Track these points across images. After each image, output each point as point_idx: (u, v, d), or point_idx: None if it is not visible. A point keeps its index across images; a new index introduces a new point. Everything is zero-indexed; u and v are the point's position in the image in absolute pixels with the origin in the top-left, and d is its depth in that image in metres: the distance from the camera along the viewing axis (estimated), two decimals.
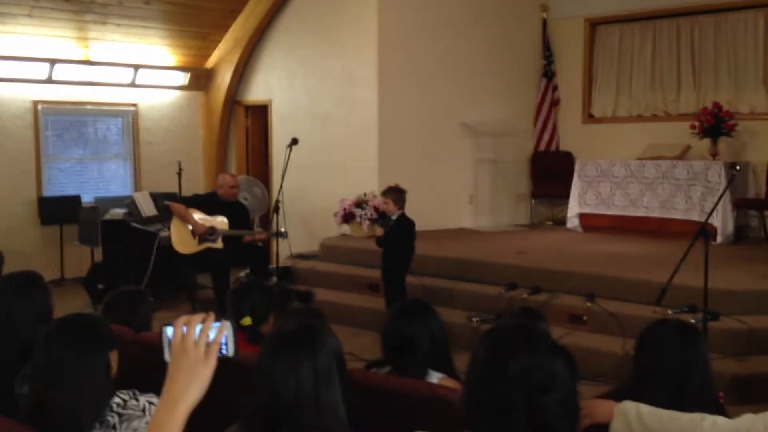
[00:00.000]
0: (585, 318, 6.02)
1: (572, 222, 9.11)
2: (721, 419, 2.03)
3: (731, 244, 7.86)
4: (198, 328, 1.50)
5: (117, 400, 2.33)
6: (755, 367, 5.13)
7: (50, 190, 9.15)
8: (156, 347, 1.58)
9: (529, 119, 10.16)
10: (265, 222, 9.15)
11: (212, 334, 1.51)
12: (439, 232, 8.82)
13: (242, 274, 7.99)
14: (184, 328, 1.50)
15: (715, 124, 8.35)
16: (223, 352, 1.52)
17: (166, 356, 1.51)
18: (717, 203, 5.58)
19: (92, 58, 9.11)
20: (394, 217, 6.36)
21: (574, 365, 1.60)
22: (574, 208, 9.09)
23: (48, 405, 2.23)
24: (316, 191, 9.32)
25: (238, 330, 3.50)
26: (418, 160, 8.99)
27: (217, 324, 1.52)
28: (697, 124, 8.47)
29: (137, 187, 9.75)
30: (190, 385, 1.45)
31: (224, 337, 1.52)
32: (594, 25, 9.98)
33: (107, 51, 9.20)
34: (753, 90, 8.79)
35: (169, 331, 1.52)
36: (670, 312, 5.42)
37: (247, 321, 3.53)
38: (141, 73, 9.56)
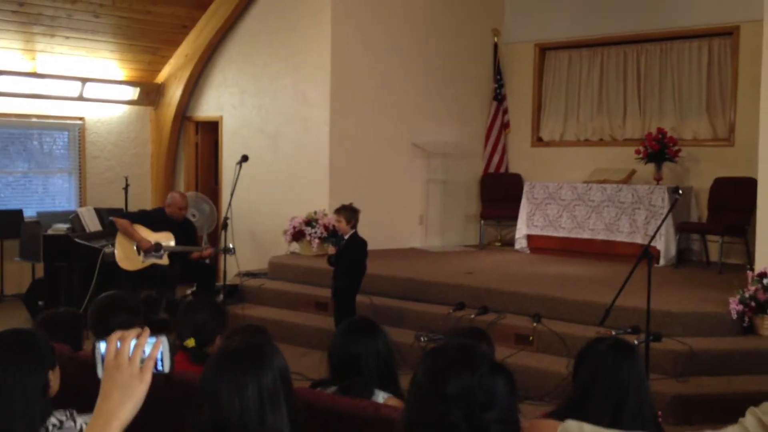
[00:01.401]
0: (531, 338, 6.07)
1: (520, 243, 9.21)
2: None
3: (674, 267, 8.03)
4: (132, 343, 1.46)
5: (53, 420, 2.25)
6: (696, 387, 5.23)
7: None
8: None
9: (480, 141, 10.27)
10: (214, 239, 9.05)
11: (148, 350, 1.47)
12: (389, 251, 8.83)
13: (189, 291, 7.88)
14: (118, 344, 1.46)
15: (659, 150, 8.54)
16: (159, 368, 1.49)
17: (99, 373, 1.47)
18: (660, 226, 5.69)
19: (39, 71, 8.94)
20: (346, 236, 6.36)
21: (514, 383, 1.61)
22: (522, 230, 9.19)
23: None
24: (266, 209, 9.27)
25: (180, 350, 3.43)
26: (370, 179, 9.01)
27: (153, 339, 1.48)
28: (642, 149, 8.66)
29: (82, 202, 9.57)
30: (123, 401, 1.42)
31: (160, 353, 1.49)
32: (544, 50, 10.17)
33: (55, 64, 9.04)
34: (696, 117, 9.03)
35: (102, 346, 1.48)
36: (613, 332, 5.49)
37: (190, 343, 3.42)
38: (89, 86, 9.41)
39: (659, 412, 2.95)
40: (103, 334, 1.50)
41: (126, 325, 1.70)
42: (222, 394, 1.87)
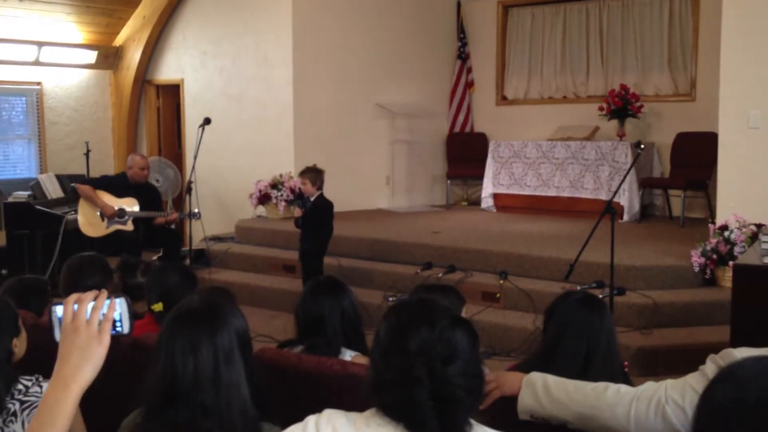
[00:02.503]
0: (498, 295, 6.14)
1: (486, 202, 9.26)
2: (624, 387, 2.09)
3: (637, 222, 8.13)
4: (90, 305, 1.45)
5: (19, 386, 2.23)
6: (659, 339, 5.34)
7: None
8: None
9: (444, 101, 10.25)
10: (178, 204, 8.96)
11: (105, 312, 1.46)
12: (355, 213, 8.83)
13: (155, 257, 7.81)
14: (75, 306, 1.44)
15: (622, 106, 8.60)
16: (118, 329, 1.48)
17: (57, 336, 1.46)
18: (622, 182, 5.75)
19: None
20: (312, 198, 6.34)
21: (475, 335, 1.62)
22: (488, 189, 9.23)
23: None
24: (231, 172, 9.19)
25: (149, 313, 3.41)
26: (335, 141, 8.96)
27: (111, 301, 1.47)
28: (605, 105, 8.71)
29: (43, 168, 9.39)
30: (82, 364, 1.41)
31: (118, 314, 1.48)
32: (507, 7, 10.12)
33: (9, 27, 8.78)
34: (658, 73, 9.08)
35: (58, 310, 1.47)
36: (578, 288, 5.57)
37: (158, 307, 3.40)
38: (45, 50, 9.18)
39: (626, 363, 3.01)
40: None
41: (98, 287, 1.68)
42: (176, 354, 1.86)
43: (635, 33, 9.21)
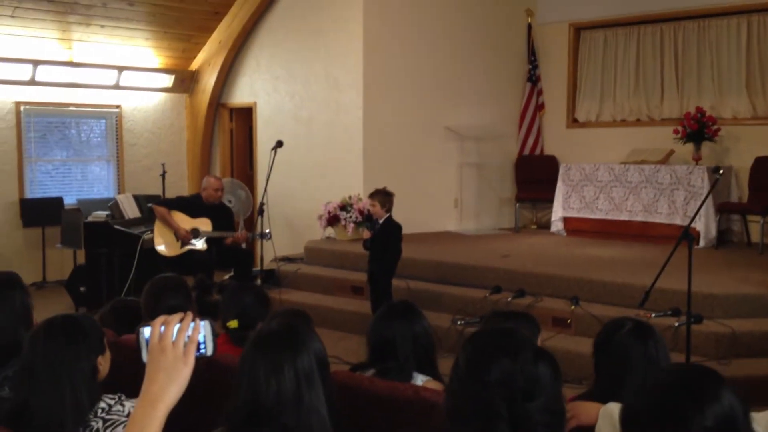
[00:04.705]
0: (569, 321, 6.03)
1: (556, 226, 9.14)
2: None
3: (714, 248, 7.91)
4: (176, 327, 1.49)
5: (102, 404, 2.28)
6: (737, 370, 5.16)
7: (32, 192, 9.08)
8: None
9: (514, 123, 10.19)
10: (250, 225, 9.12)
11: (190, 334, 1.49)
12: (424, 235, 8.82)
13: (226, 276, 7.95)
14: (162, 328, 1.48)
15: (698, 129, 8.40)
16: (202, 351, 1.51)
17: (144, 357, 1.50)
18: (700, 207, 5.61)
19: (76, 60, 9.05)
20: (381, 220, 6.36)
21: (558, 369, 1.58)
22: (558, 212, 9.12)
23: (30, 408, 2.19)
24: (301, 194, 9.31)
25: (223, 332, 3.48)
26: (403, 163, 8.99)
27: (195, 323, 1.51)
28: (680, 129, 8.53)
29: (120, 189, 9.69)
30: (168, 384, 1.44)
31: (203, 336, 1.51)
32: (579, 30, 10.03)
33: (91, 52, 9.14)
34: (736, 95, 8.85)
35: (146, 331, 1.51)
36: (652, 315, 5.44)
37: (233, 324, 3.46)
38: (125, 74, 9.51)
39: None
40: (157, 317, 1.53)
41: (179, 308, 1.72)
42: (259, 376, 1.88)
43: (711, 55, 9.01)
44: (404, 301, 3.29)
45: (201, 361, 1.52)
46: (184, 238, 7.16)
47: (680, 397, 1.47)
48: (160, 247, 7.23)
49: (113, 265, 7.50)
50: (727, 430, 1.43)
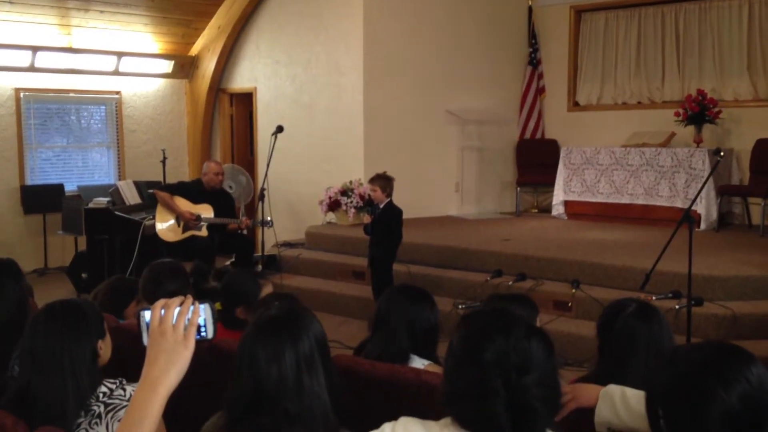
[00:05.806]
0: (570, 304, 6.05)
1: (557, 209, 9.14)
2: None
3: (715, 230, 7.90)
4: (176, 311, 1.49)
5: (103, 389, 2.29)
6: None
7: (33, 179, 9.08)
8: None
9: (515, 107, 10.16)
10: (251, 210, 9.12)
11: (190, 317, 1.50)
12: (424, 219, 8.83)
13: (227, 262, 7.96)
14: (162, 312, 1.49)
15: (699, 112, 8.38)
16: (202, 334, 1.52)
17: (145, 340, 1.50)
18: (701, 190, 5.60)
19: (75, 46, 9.03)
20: (381, 205, 6.36)
21: (551, 345, 1.59)
22: (559, 196, 9.11)
23: (32, 392, 2.21)
24: (302, 179, 9.30)
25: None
26: (404, 148, 8.98)
27: (195, 306, 1.51)
28: (681, 111, 8.50)
29: (121, 175, 9.69)
30: (169, 367, 1.45)
31: (203, 320, 1.52)
32: (579, 12, 9.98)
33: (90, 38, 9.11)
34: (737, 77, 8.82)
35: (146, 315, 1.52)
36: (653, 297, 5.45)
37: (216, 306, 3.50)
38: (124, 60, 9.49)
39: None
40: (156, 301, 1.53)
41: (178, 293, 1.73)
42: (260, 362, 1.89)
43: (713, 37, 8.96)
44: (412, 286, 3.28)
45: (202, 344, 1.53)
46: (188, 221, 7.17)
47: (704, 375, 1.48)
48: (162, 233, 7.22)
49: (114, 252, 7.51)
50: (755, 410, 1.44)
